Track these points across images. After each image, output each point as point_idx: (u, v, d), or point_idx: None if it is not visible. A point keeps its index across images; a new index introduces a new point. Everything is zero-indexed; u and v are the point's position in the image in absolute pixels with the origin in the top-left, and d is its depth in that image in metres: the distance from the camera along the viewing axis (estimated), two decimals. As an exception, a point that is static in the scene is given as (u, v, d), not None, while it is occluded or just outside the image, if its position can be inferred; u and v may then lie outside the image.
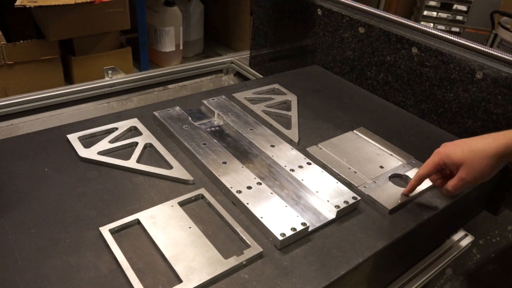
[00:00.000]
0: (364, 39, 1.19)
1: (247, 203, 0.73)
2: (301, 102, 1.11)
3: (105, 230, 0.66)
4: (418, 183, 0.79)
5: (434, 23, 3.57)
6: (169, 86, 1.49)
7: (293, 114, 1.05)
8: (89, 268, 0.61)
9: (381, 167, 0.88)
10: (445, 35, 1.07)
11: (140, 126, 0.92)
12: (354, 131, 0.99)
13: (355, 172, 0.85)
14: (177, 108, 0.99)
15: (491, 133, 0.72)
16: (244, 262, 0.64)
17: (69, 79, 2.36)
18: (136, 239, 0.66)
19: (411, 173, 0.86)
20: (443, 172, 0.80)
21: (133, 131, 0.92)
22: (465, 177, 0.72)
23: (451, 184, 0.75)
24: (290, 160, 0.86)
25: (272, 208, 0.73)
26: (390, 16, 1.18)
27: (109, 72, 1.37)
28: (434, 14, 3.57)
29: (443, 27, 3.54)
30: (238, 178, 0.79)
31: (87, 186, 0.75)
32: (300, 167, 0.84)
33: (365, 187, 0.82)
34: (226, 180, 0.78)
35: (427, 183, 0.84)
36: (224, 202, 0.75)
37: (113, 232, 0.66)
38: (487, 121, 0.99)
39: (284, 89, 1.15)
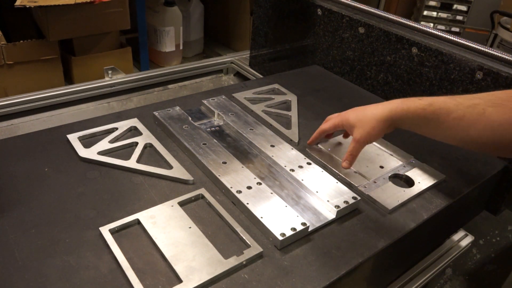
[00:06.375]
0: (364, 39, 1.19)
1: (247, 203, 0.73)
2: (301, 102, 1.11)
3: (105, 230, 0.66)
4: (319, 136, 0.90)
5: (434, 23, 3.57)
6: (169, 86, 1.49)
7: (293, 114, 1.05)
8: (89, 268, 0.61)
9: (381, 167, 0.88)
10: (445, 35, 1.07)
11: (140, 126, 0.92)
12: (354, 131, 0.99)
13: (355, 172, 0.85)
14: (177, 108, 0.99)
15: (387, 101, 0.78)
16: (244, 262, 0.64)
17: (69, 79, 2.35)
18: (136, 239, 0.66)
19: (411, 173, 0.86)
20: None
21: (133, 131, 0.92)
22: (358, 138, 0.78)
23: (349, 148, 0.81)
24: (290, 160, 0.86)
25: (272, 208, 0.73)
26: (390, 16, 1.18)
27: (109, 72, 1.37)
28: (434, 14, 3.57)
29: (443, 27, 3.54)
30: (238, 178, 0.79)
31: (87, 186, 0.75)
32: (300, 167, 0.84)
33: (365, 187, 0.82)
34: (226, 180, 0.78)
35: (427, 183, 0.84)
36: (224, 202, 0.75)
37: (113, 232, 0.66)
38: (487, 121, 0.99)
39: (284, 89, 1.15)
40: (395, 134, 1.00)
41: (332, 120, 0.86)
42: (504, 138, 0.64)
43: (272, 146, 0.90)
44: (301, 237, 0.70)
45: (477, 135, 0.66)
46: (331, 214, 0.75)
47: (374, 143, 0.95)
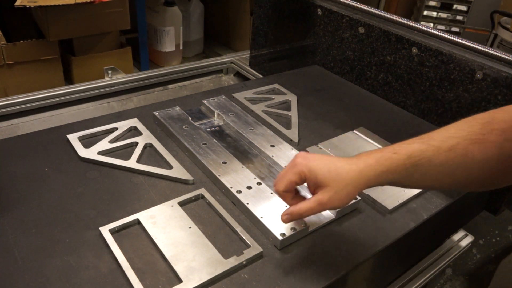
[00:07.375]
0: (364, 39, 1.19)
1: (247, 203, 0.73)
2: (301, 102, 1.11)
3: (105, 230, 0.66)
4: (291, 188, 0.65)
5: (434, 23, 3.57)
6: (169, 86, 1.49)
7: (293, 114, 1.05)
8: (89, 268, 0.61)
9: (381, 167, 0.88)
10: (445, 35, 1.07)
11: (140, 126, 0.92)
12: (354, 131, 0.99)
13: (355, 172, 0.85)
14: (177, 108, 0.99)
15: (363, 154, 0.62)
16: (244, 262, 0.64)
17: (69, 79, 2.35)
18: (136, 239, 0.66)
19: (411, 173, 0.86)
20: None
21: (133, 131, 0.92)
22: (325, 202, 0.60)
23: (304, 207, 0.62)
24: (290, 160, 0.85)
25: (272, 208, 0.73)
26: (390, 16, 1.18)
27: (109, 72, 1.37)
28: (434, 14, 3.56)
29: (443, 27, 3.53)
30: (238, 178, 0.79)
31: (87, 186, 0.75)
32: (300, 167, 0.84)
33: (365, 187, 0.82)
34: (226, 180, 0.78)
35: (427, 183, 0.84)
36: (224, 202, 0.75)
37: (113, 232, 0.66)
38: (487, 121, 0.99)
39: (284, 89, 1.15)
40: (395, 133, 1.00)
41: (297, 167, 0.64)
42: (495, 173, 0.59)
43: (272, 146, 0.90)
44: (301, 237, 0.70)
45: (464, 178, 0.61)
46: (331, 214, 0.75)
47: (373, 142, 0.95)
